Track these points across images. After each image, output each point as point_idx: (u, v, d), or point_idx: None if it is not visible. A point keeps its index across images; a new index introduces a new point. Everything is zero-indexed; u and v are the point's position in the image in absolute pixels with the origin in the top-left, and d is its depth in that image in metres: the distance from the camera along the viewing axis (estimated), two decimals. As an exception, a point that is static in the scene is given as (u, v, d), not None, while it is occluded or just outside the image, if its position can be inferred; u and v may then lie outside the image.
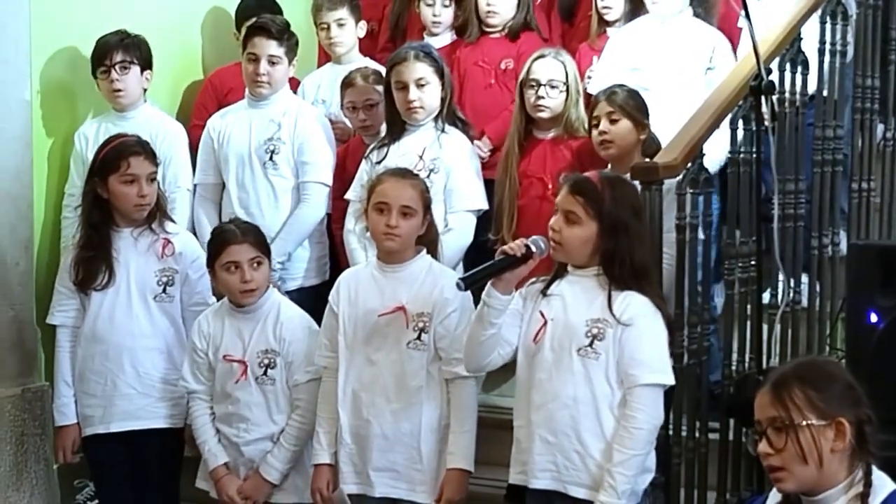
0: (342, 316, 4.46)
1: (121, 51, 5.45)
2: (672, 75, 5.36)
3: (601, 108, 4.98)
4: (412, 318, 4.38)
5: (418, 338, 4.37)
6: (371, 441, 4.38)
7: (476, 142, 5.61)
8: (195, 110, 5.98)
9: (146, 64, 5.54)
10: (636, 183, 4.33)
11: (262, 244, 4.69)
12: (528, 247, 3.97)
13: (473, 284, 4.03)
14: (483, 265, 4.05)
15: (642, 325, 3.96)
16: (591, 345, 3.98)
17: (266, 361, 4.63)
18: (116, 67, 5.45)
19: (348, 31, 5.94)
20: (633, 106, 4.98)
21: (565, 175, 4.22)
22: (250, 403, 4.63)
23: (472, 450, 4.35)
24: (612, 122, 4.95)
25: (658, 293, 4.06)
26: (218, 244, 4.68)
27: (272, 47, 5.42)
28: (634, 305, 3.96)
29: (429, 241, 4.51)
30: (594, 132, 5.01)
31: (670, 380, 4.02)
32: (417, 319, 4.38)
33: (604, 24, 5.83)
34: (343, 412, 4.43)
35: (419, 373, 4.37)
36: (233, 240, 4.65)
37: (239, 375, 4.64)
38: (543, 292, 4.10)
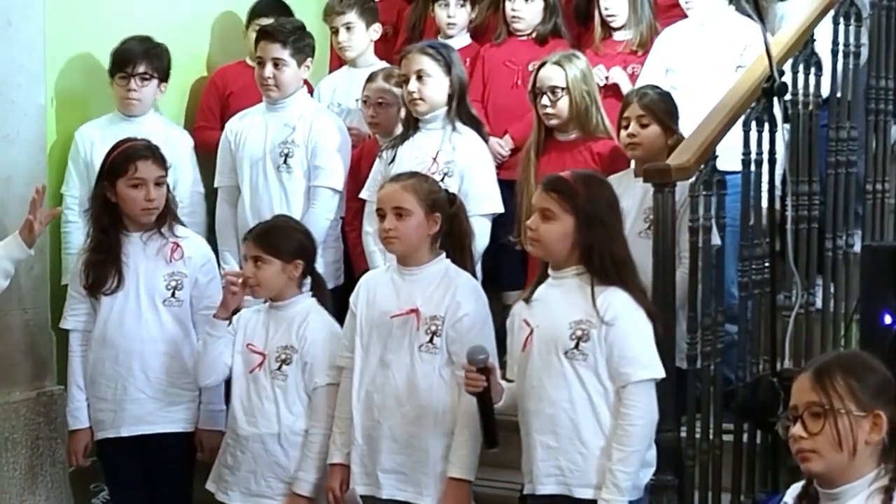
0: (360, 317, 4.46)
1: (144, 62, 5.48)
2: (703, 75, 5.36)
3: (632, 109, 5.01)
4: (424, 320, 4.36)
5: (430, 341, 4.36)
6: (381, 443, 4.38)
7: (497, 139, 5.63)
8: (200, 112, 6.01)
9: (164, 76, 5.57)
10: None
11: (270, 246, 4.64)
12: (481, 369, 4.00)
13: (495, 435, 4.09)
14: (482, 420, 4.08)
15: (626, 322, 3.96)
16: (576, 347, 3.97)
17: (283, 357, 4.63)
18: (137, 78, 5.47)
19: (358, 35, 5.95)
20: (664, 110, 5.00)
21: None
22: (262, 396, 4.63)
23: (472, 458, 4.31)
24: (643, 125, 4.97)
25: (640, 287, 4.05)
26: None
27: (276, 50, 5.43)
28: (616, 303, 3.96)
29: (451, 238, 4.45)
30: (622, 133, 5.03)
31: (661, 373, 4.01)
32: (430, 322, 4.36)
33: (608, 29, 5.85)
34: (356, 413, 4.42)
35: (431, 376, 4.35)
36: (246, 235, 4.75)
37: (255, 365, 4.65)
38: (526, 300, 4.12)
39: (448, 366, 4.35)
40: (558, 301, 4.04)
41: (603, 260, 3.98)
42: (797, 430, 3.00)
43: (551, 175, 4.17)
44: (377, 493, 4.39)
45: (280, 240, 4.69)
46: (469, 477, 4.31)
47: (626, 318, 3.96)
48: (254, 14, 6.03)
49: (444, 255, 4.45)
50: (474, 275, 4.51)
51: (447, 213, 4.44)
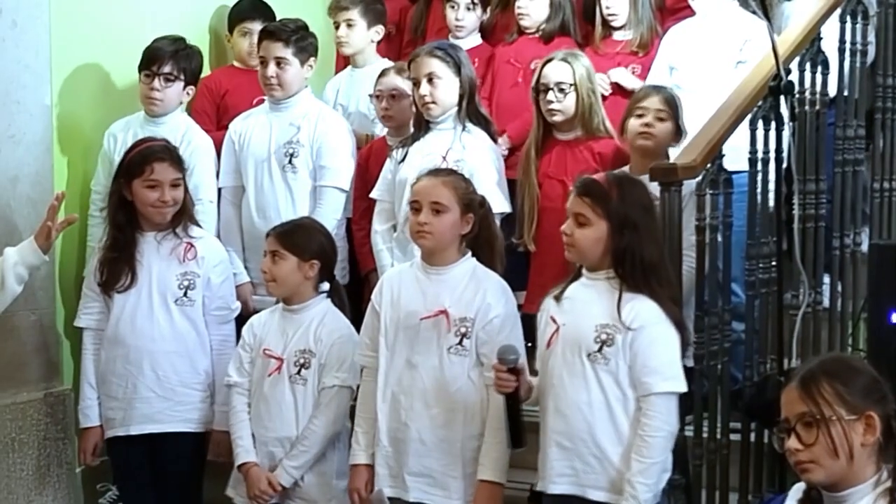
0: (384, 316, 4.41)
1: (170, 62, 5.46)
2: (704, 73, 5.37)
3: (652, 101, 5.03)
4: (454, 322, 4.31)
5: (460, 343, 4.31)
6: (408, 445, 4.33)
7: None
8: (194, 115, 5.95)
9: (192, 79, 5.56)
10: (646, 181, 4.31)
11: (289, 242, 4.67)
12: (511, 369, 3.99)
13: (521, 435, 4.09)
14: (509, 420, 4.08)
15: (653, 332, 3.95)
16: (600, 350, 3.97)
17: (301, 361, 4.63)
18: (161, 78, 5.46)
19: (357, 33, 5.95)
20: (678, 112, 5.03)
21: (576, 178, 4.22)
22: (280, 402, 4.63)
23: (503, 462, 4.28)
24: (660, 119, 4.99)
25: (670, 294, 4.03)
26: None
27: (278, 49, 5.43)
28: (644, 312, 3.95)
29: (480, 241, 4.42)
30: (635, 121, 5.02)
31: (683, 387, 4.00)
32: (460, 324, 4.31)
33: (608, 28, 5.85)
34: (381, 414, 4.38)
35: (460, 378, 4.31)
36: (269, 231, 4.76)
37: (273, 370, 4.64)
38: (557, 297, 4.10)
39: (477, 367, 4.31)
40: (587, 302, 4.03)
41: (634, 264, 3.97)
42: (792, 442, 3.00)
43: (585, 178, 4.14)
44: (404, 495, 4.35)
45: (300, 238, 4.70)
46: (501, 480, 4.28)
47: (652, 327, 3.95)
48: (237, 18, 6.05)
49: (469, 254, 4.41)
50: (503, 277, 4.45)
51: (478, 215, 4.41)
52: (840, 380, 2.99)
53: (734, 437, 4.56)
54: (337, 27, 5.99)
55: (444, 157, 5.13)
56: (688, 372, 4.35)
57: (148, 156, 4.85)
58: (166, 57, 5.47)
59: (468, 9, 6.02)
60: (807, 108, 4.83)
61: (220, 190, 5.62)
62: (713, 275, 4.49)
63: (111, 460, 5.02)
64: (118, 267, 4.88)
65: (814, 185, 4.83)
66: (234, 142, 5.58)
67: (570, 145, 5.28)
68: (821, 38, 4.89)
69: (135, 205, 4.88)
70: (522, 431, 4.09)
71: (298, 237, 4.70)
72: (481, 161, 5.16)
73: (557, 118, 5.26)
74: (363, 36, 5.98)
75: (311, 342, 4.63)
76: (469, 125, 5.21)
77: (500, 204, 5.16)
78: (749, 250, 4.63)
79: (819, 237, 4.86)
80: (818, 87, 4.88)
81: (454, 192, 4.35)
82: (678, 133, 4.99)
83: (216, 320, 4.93)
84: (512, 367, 4.01)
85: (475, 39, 6.06)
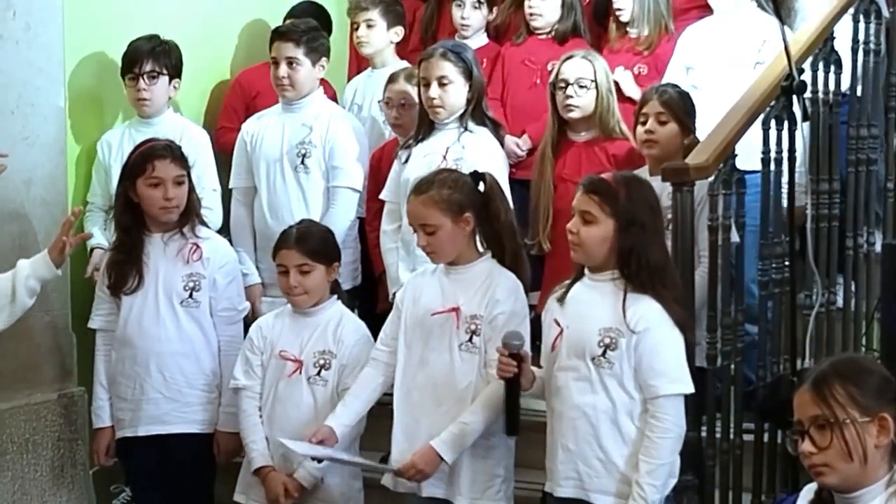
0: (405, 314, 4.44)
1: (151, 60, 5.46)
2: (722, 73, 5.36)
3: (651, 106, 5.00)
4: (464, 319, 4.32)
5: (470, 340, 4.32)
6: (420, 441, 4.34)
7: (514, 139, 5.62)
8: (223, 113, 5.98)
9: (175, 73, 5.56)
10: (655, 182, 4.31)
11: (314, 252, 4.65)
12: (513, 355, 4.00)
13: (517, 422, 4.10)
14: (507, 406, 4.11)
15: (658, 334, 3.94)
16: (603, 354, 3.96)
17: (321, 362, 4.62)
18: (145, 77, 5.46)
19: (377, 33, 5.95)
20: (683, 110, 5.00)
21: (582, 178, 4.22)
22: (299, 403, 4.62)
23: (460, 441, 4.24)
24: (661, 123, 4.97)
25: (674, 296, 4.01)
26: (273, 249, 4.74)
27: (289, 49, 5.44)
28: (649, 314, 3.94)
29: (490, 237, 4.39)
30: (639, 129, 5.02)
31: (689, 388, 3.99)
32: (470, 321, 4.32)
33: (622, 26, 5.83)
34: (397, 409, 4.41)
35: (469, 376, 4.32)
36: (282, 245, 4.70)
37: (291, 371, 4.63)
38: (560, 299, 4.10)
39: (488, 365, 4.30)
40: (591, 305, 4.03)
41: (640, 264, 3.95)
42: (806, 446, 2.99)
43: (592, 176, 4.14)
44: (416, 490, 4.37)
45: (319, 244, 4.69)
46: (446, 457, 4.25)
47: (656, 329, 3.94)
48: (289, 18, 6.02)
49: (489, 254, 4.41)
50: (520, 259, 4.41)
51: (477, 203, 4.37)
52: (852, 381, 2.98)
53: (747, 437, 4.56)
54: (357, 28, 6.00)
55: (444, 157, 5.13)
56: (701, 372, 4.36)
57: (149, 154, 4.86)
58: (145, 55, 5.47)
59: (474, 7, 6.01)
60: (820, 107, 4.82)
61: (231, 190, 5.63)
62: (726, 275, 4.48)
63: (122, 461, 5.03)
64: (125, 269, 4.88)
65: (827, 185, 4.82)
66: (246, 142, 5.59)
67: (585, 147, 5.28)
68: (834, 38, 4.87)
69: (140, 206, 4.88)
70: (518, 419, 4.10)
71: (318, 244, 4.67)
72: (482, 160, 5.09)
73: (575, 114, 5.25)
74: (383, 37, 5.98)
75: (331, 343, 4.63)
76: (472, 125, 5.20)
77: None
78: (762, 250, 4.62)
79: (832, 237, 4.85)
80: (831, 87, 4.86)
81: (437, 206, 4.32)
82: (686, 131, 4.97)
83: (223, 321, 4.93)
84: (514, 353, 4.01)
85: (482, 39, 6.05)
